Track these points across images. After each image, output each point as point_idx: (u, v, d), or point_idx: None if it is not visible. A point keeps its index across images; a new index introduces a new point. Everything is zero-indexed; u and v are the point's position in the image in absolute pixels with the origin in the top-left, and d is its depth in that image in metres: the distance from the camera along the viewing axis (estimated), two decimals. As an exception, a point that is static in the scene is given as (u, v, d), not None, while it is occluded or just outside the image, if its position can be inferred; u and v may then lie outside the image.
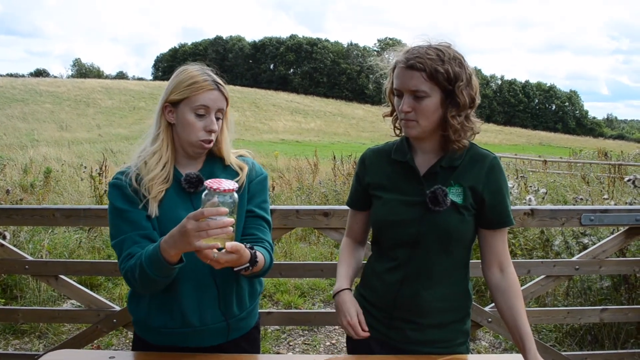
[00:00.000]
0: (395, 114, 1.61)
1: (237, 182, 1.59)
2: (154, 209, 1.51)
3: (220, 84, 1.57)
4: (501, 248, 1.57)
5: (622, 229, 2.82)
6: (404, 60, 1.46)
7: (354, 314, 1.56)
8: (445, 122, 1.48)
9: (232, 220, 1.26)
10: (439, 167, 1.53)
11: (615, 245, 2.78)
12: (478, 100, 1.51)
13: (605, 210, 2.66)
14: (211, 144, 1.58)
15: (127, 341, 3.85)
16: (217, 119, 1.57)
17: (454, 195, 1.50)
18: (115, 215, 1.53)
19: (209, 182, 1.28)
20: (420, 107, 1.46)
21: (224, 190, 1.27)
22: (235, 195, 1.30)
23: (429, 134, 1.52)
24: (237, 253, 1.31)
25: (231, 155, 1.66)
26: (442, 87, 1.45)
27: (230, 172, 1.63)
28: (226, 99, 1.59)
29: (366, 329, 1.55)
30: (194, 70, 1.57)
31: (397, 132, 1.64)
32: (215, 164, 1.65)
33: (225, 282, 1.60)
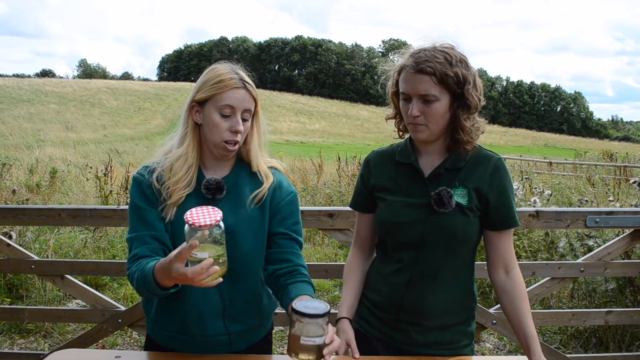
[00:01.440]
0: (398, 116, 1.61)
1: (258, 193, 1.54)
2: (170, 213, 1.49)
3: (247, 83, 1.50)
4: (507, 249, 1.57)
5: (627, 231, 2.81)
6: (413, 65, 1.45)
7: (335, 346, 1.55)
8: (456, 125, 1.49)
9: (210, 260, 1.20)
10: (443, 168, 1.53)
11: (621, 247, 2.77)
12: (483, 101, 1.52)
13: (611, 212, 2.65)
14: (236, 147, 1.51)
15: (132, 341, 3.87)
16: (244, 119, 1.51)
17: (459, 197, 1.50)
18: (132, 211, 1.52)
19: (188, 216, 1.21)
20: (429, 111, 1.46)
21: (200, 226, 1.19)
22: (221, 225, 1.24)
23: (437, 137, 1.52)
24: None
25: (260, 161, 1.59)
26: (451, 91, 1.45)
27: (256, 180, 1.57)
28: (254, 100, 1.53)
29: None
30: (222, 68, 1.52)
31: (400, 134, 1.64)
32: (243, 170, 1.58)
33: (231, 296, 1.55)
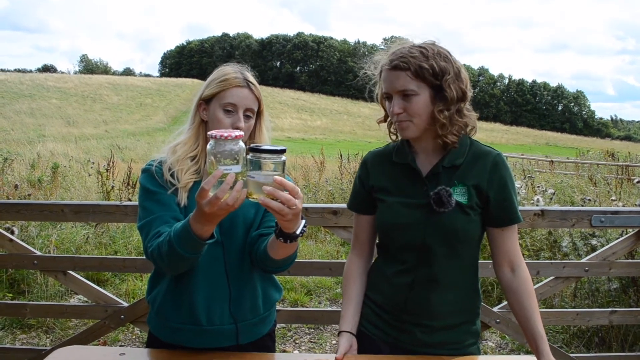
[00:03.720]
0: (389, 118, 1.59)
1: None
2: (182, 198, 1.51)
3: (251, 83, 1.57)
4: (511, 246, 1.54)
5: (632, 231, 2.80)
6: (388, 62, 1.45)
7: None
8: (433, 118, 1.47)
9: (233, 175, 1.16)
10: (441, 167, 1.50)
11: (626, 247, 2.77)
12: (469, 93, 1.49)
13: (616, 212, 2.64)
14: None
15: (134, 337, 3.86)
16: (247, 117, 1.56)
17: (459, 196, 1.48)
18: (146, 198, 1.52)
19: (214, 131, 1.19)
20: (410, 106, 1.44)
21: (226, 137, 1.17)
22: (241, 143, 1.20)
23: (424, 132, 1.50)
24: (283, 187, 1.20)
25: None
26: (430, 84, 1.44)
27: None
28: (258, 100, 1.58)
29: None
30: (229, 68, 1.59)
31: (394, 137, 1.62)
32: None
33: (238, 283, 1.58)
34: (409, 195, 1.53)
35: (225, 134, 1.17)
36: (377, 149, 1.69)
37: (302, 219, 1.36)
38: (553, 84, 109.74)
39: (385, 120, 1.61)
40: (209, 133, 1.20)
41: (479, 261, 1.62)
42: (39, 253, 2.82)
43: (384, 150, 1.65)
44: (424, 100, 1.44)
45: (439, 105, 1.44)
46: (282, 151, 1.21)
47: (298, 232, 1.36)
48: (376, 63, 1.55)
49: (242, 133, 1.21)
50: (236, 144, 1.19)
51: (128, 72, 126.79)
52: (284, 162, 1.22)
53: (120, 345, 3.72)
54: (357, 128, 54.89)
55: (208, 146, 1.19)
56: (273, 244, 1.44)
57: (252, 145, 1.21)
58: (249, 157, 1.20)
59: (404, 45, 1.47)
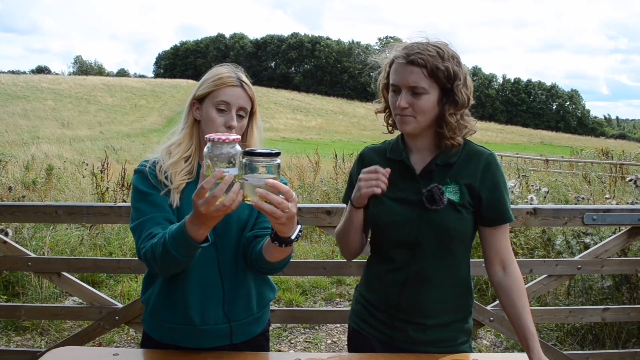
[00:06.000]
0: (387, 110, 1.60)
1: None
2: (175, 199, 1.52)
3: (244, 82, 1.58)
4: (502, 245, 1.55)
5: (624, 229, 2.81)
6: (404, 56, 1.45)
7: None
8: (441, 120, 1.48)
9: (231, 176, 1.18)
10: (434, 165, 1.51)
11: (618, 245, 2.78)
12: (472, 100, 1.51)
13: (608, 210, 2.66)
14: None
15: (129, 338, 3.86)
16: (240, 117, 1.57)
17: (451, 194, 1.49)
18: (139, 199, 1.53)
19: (212, 135, 1.20)
20: (418, 103, 1.45)
21: (224, 140, 1.18)
22: (237, 146, 1.22)
23: (423, 130, 1.51)
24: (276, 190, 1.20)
25: None
26: (441, 85, 1.45)
27: None
28: (251, 100, 1.59)
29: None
30: (223, 68, 1.60)
31: (390, 128, 1.62)
32: None
33: (232, 283, 1.59)
34: (402, 192, 1.54)
35: (223, 137, 1.18)
36: (375, 144, 1.70)
37: (297, 224, 1.36)
38: (547, 83, 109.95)
39: (384, 111, 1.61)
40: (206, 136, 1.21)
41: (474, 260, 1.64)
42: (33, 255, 2.82)
43: (381, 146, 1.66)
44: (433, 100, 1.45)
45: (450, 108, 1.46)
46: (276, 154, 1.21)
47: (293, 237, 1.37)
48: (388, 53, 1.55)
49: (238, 137, 1.22)
50: (233, 147, 1.20)
51: (122, 73, 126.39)
52: (278, 165, 1.22)
53: (115, 347, 3.71)
54: (352, 128, 54.99)
55: (205, 149, 1.20)
56: (268, 247, 1.45)
57: (246, 149, 1.22)
58: (243, 160, 1.21)
59: (420, 42, 1.47)
